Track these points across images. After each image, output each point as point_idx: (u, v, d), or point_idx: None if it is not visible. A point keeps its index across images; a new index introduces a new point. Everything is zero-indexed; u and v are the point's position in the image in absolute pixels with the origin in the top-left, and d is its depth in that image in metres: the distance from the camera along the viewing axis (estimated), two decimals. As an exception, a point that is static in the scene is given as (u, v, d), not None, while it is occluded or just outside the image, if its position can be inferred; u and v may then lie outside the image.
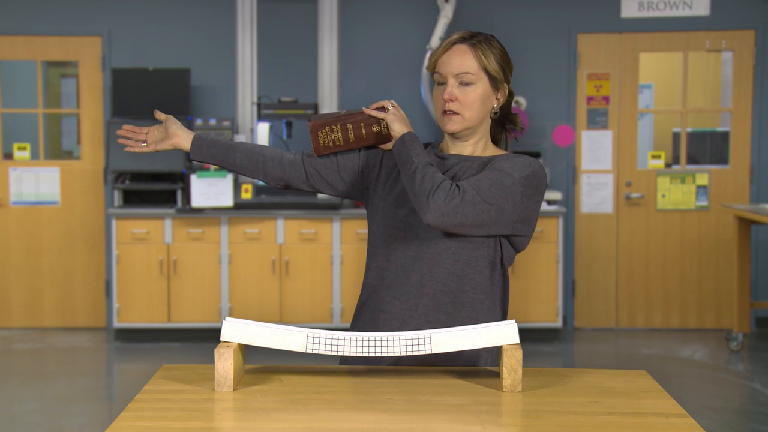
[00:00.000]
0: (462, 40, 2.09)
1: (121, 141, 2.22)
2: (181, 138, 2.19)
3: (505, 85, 2.11)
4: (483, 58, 2.06)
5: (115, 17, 6.50)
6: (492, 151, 2.15)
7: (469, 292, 2.05)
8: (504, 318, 2.12)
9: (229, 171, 2.22)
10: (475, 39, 2.08)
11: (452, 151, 2.15)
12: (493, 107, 2.12)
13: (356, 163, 2.20)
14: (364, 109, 2.09)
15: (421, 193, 1.95)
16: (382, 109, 2.09)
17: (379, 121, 2.08)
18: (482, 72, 2.07)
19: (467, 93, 2.07)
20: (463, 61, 2.06)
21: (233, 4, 6.30)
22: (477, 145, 2.14)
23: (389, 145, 2.13)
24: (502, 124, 2.21)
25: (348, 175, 2.20)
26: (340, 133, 2.11)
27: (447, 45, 2.10)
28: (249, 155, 2.20)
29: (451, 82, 2.07)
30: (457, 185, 1.95)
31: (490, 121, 2.14)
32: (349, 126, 2.10)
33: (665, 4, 6.44)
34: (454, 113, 2.07)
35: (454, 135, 2.12)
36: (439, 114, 2.10)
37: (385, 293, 2.10)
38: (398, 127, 2.07)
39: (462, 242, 2.04)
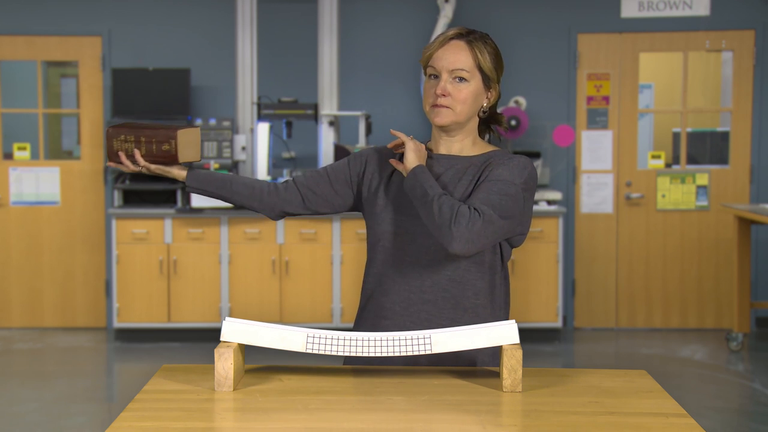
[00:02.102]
0: (459, 36, 2.08)
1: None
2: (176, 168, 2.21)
3: (497, 84, 2.11)
4: (479, 55, 2.06)
5: (115, 17, 6.50)
6: (480, 148, 2.14)
7: (471, 298, 2.05)
8: (507, 319, 2.12)
9: (226, 201, 2.23)
10: (471, 36, 2.08)
11: (441, 149, 2.14)
12: (482, 106, 2.12)
13: (345, 173, 2.20)
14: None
15: (443, 224, 1.93)
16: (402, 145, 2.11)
17: (169, 140, 2.13)
18: (476, 70, 2.07)
19: (460, 89, 2.06)
20: (458, 57, 2.06)
21: (233, 4, 6.30)
22: (464, 142, 2.13)
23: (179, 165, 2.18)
24: (487, 123, 2.20)
25: (341, 187, 2.19)
26: (132, 144, 2.17)
27: (443, 40, 2.09)
28: (246, 184, 2.21)
29: (445, 77, 2.06)
30: (475, 208, 1.94)
31: (477, 119, 2.14)
32: (142, 139, 2.16)
33: (665, 4, 6.44)
34: (445, 107, 2.07)
35: (442, 128, 2.11)
36: (429, 107, 2.09)
37: (384, 299, 2.09)
38: (412, 158, 2.05)
39: None
